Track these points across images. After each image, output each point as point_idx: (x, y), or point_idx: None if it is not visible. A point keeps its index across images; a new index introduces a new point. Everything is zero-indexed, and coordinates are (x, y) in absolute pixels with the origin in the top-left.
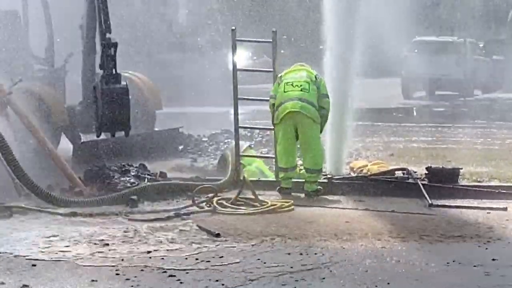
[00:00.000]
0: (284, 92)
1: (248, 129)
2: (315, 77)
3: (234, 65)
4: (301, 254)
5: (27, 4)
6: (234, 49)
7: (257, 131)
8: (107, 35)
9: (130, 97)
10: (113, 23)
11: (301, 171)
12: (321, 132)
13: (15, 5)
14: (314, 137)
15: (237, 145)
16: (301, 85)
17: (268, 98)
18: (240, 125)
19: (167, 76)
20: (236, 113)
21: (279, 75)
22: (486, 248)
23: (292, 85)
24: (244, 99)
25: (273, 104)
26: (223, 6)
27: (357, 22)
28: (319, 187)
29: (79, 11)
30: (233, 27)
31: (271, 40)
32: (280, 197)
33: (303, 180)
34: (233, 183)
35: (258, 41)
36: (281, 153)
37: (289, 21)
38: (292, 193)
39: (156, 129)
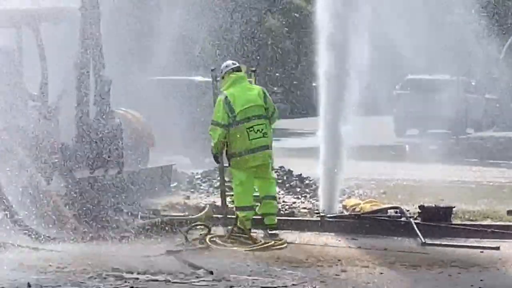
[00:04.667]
0: (249, 140)
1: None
2: (263, 93)
3: None
4: None
5: (22, 40)
6: None
7: None
8: (101, 72)
9: (123, 134)
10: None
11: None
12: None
13: (9, 41)
14: (270, 170)
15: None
16: (262, 130)
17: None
18: (225, 165)
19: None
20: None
21: (223, 97)
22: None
23: (254, 130)
24: None
25: (219, 133)
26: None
27: (351, 66)
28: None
29: (73, 48)
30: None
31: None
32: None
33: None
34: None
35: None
36: (243, 193)
37: (283, 59)
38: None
39: (149, 166)
